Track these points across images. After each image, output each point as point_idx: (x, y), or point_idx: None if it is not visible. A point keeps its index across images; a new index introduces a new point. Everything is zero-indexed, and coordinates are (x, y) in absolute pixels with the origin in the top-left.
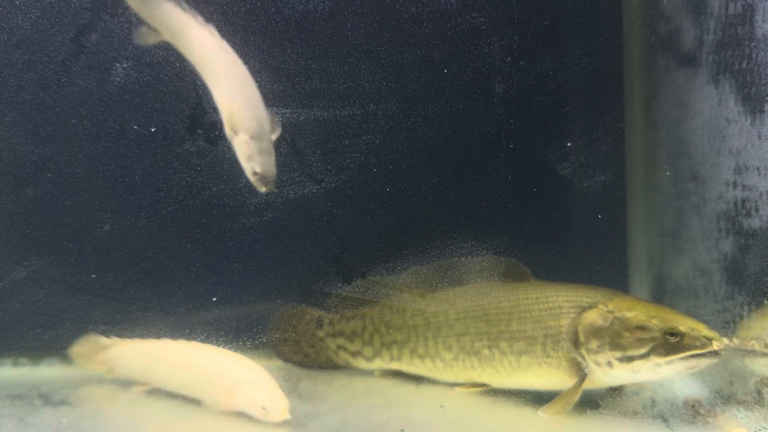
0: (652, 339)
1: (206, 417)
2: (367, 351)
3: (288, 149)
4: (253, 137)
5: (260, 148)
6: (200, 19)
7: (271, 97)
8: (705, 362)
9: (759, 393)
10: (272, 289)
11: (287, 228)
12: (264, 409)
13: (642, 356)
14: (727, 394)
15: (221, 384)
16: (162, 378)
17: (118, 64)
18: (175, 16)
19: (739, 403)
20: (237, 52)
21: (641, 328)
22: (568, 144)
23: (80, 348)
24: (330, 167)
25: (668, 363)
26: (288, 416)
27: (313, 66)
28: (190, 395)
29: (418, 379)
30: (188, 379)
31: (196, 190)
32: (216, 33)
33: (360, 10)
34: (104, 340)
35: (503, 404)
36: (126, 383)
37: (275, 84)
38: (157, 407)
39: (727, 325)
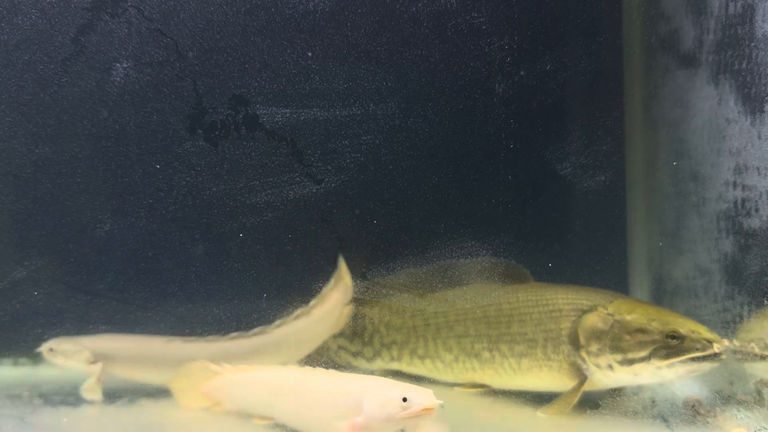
0: (653, 342)
1: (203, 414)
2: (368, 351)
3: (288, 149)
4: None
5: None
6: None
7: (271, 97)
8: (706, 365)
9: (759, 393)
10: (272, 289)
11: (287, 228)
12: (406, 401)
13: (643, 359)
14: (727, 394)
15: (345, 408)
16: (279, 412)
17: (118, 64)
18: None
19: (739, 403)
20: (237, 52)
21: (642, 331)
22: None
23: (184, 380)
24: (330, 167)
25: (669, 366)
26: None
27: (313, 66)
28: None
29: (418, 379)
30: (308, 411)
31: (196, 190)
32: None
33: (360, 10)
34: (213, 366)
35: (503, 404)
36: (239, 415)
37: (275, 84)
38: (157, 407)
39: (727, 325)
